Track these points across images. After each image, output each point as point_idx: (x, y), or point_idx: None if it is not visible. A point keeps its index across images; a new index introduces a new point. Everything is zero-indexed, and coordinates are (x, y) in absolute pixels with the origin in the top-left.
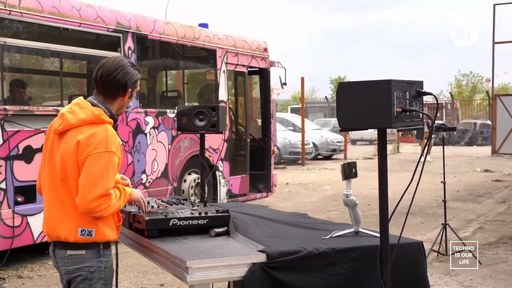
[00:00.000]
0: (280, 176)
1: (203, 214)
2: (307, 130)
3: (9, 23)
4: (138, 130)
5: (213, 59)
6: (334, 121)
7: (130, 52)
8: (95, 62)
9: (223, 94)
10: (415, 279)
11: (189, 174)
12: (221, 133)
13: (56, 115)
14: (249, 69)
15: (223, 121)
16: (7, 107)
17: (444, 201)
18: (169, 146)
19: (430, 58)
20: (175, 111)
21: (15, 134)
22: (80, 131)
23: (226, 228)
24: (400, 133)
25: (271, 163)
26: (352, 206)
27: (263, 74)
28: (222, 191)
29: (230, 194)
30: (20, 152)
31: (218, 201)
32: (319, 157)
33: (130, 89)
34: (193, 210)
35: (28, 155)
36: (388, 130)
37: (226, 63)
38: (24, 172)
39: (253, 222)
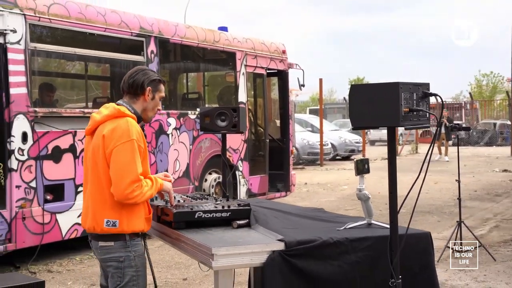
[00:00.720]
0: (299, 176)
1: (226, 208)
2: (326, 131)
3: (39, 29)
4: (160, 131)
5: (232, 62)
6: None
7: (152, 55)
8: (119, 66)
9: (242, 96)
10: (422, 267)
11: (210, 173)
12: (242, 133)
13: (82, 117)
14: (268, 71)
15: (243, 122)
16: (37, 109)
17: (459, 199)
18: (191, 146)
19: (450, 59)
20: (196, 113)
21: (44, 135)
22: (105, 126)
23: (247, 220)
24: (419, 133)
25: (290, 163)
26: (364, 200)
27: (282, 76)
28: (242, 190)
29: (250, 194)
30: (49, 152)
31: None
32: (337, 157)
33: (149, 88)
34: (217, 204)
35: (56, 155)
36: (405, 131)
37: (246, 66)
38: (53, 171)
39: (272, 215)
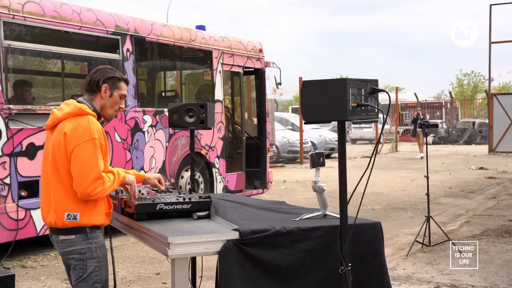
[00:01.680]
0: (278, 174)
1: (187, 200)
2: (306, 130)
3: (13, 26)
4: (136, 128)
5: (209, 60)
6: None
7: (128, 53)
8: (96, 64)
9: (219, 94)
10: (372, 255)
11: (186, 171)
12: (210, 129)
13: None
14: (245, 70)
15: (211, 118)
16: (11, 106)
17: (427, 194)
18: (167, 143)
19: (432, 59)
20: None
21: (18, 132)
22: (66, 124)
23: (207, 212)
24: (400, 132)
25: (267, 161)
26: (319, 192)
27: (258, 74)
28: (219, 187)
29: (227, 190)
30: (24, 149)
31: None
32: None
33: (105, 86)
34: (179, 196)
35: (31, 152)
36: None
37: (222, 64)
38: (28, 168)
39: (231, 207)
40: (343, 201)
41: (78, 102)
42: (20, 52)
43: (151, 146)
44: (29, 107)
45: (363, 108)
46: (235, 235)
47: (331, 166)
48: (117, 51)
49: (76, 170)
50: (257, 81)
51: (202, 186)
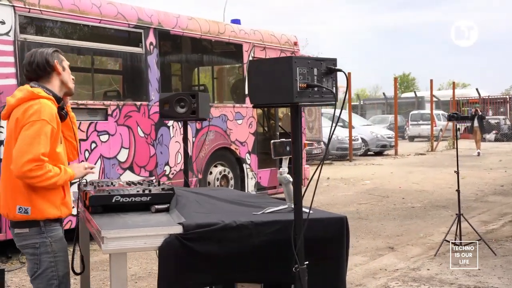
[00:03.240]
0: (324, 171)
1: (146, 192)
2: (357, 126)
3: (29, 20)
4: (160, 123)
5: (239, 54)
6: (391, 117)
7: (152, 47)
8: (116, 58)
9: None
10: (334, 253)
11: (215, 166)
12: (203, 120)
13: (75, 108)
14: None
15: (204, 108)
16: None
17: (458, 191)
18: (193, 138)
19: (501, 54)
20: None
21: None
22: (19, 110)
23: (167, 205)
24: (461, 129)
25: (302, 157)
26: (285, 183)
27: None
28: (250, 184)
29: (259, 187)
30: None
31: None
32: (369, 153)
33: (55, 61)
34: (139, 188)
35: None
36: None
37: (253, 58)
38: None
39: (196, 200)
40: (298, 194)
41: (31, 87)
42: (37, 46)
43: (176, 141)
44: None
45: (316, 89)
46: (178, 229)
47: (380, 164)
48: (140, 44)
49: (16, 148)
50: None
51: (232, 182)
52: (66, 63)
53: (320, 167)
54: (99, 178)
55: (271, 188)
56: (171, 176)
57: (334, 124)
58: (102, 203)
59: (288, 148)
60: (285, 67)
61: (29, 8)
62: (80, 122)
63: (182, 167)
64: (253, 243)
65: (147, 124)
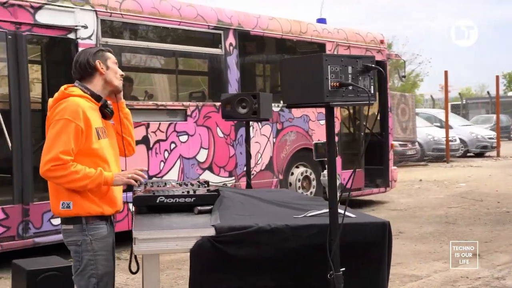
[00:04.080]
0: (417, 173)
1: (191, 193)
2: (456, 126)
3: (110, 24)
4: (240, 124)
5: None
6: (495, 117)
7: (231, 48)
8: (196, 59)
9: None
10: (373, 259)
11: (297, 167)
12: (265, 120)
13: (155, 109)
14: None
15: (265, 109)
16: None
17: None
18: (274, 139)
19: None
20: (280, 105)
21: None
22: (51, 110)
23: (211, 206)
24: None
25: (390, 158)
26: None
27: (380, 67)
28: None
29: (342, 188)
30: None
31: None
32: (468, 154)
33: (98, 61)
34: (186, 189)
35: None
36: None
37: None
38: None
39: (240, 202)
40: (333, 197)
41: (68, 87)
42: (118, 49)
43: (256, 142)
44: (126, 102)
45: (350, 89)
46: (210, 232)
47: (479, 166)
48: (220, 46)
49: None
50: (378, 74)
51: (314, 183)
52: (112, 62)
53: (353, 175)
54: (178, 178)
55: (355, 190)
56: (250, 176)
57: (365, 123)
58: (146, 204)
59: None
60: (316, 65)
61: (111, 12)
62: (160, 123)
63: (263, 168)
64: (288, 248)
65: (226, 125)
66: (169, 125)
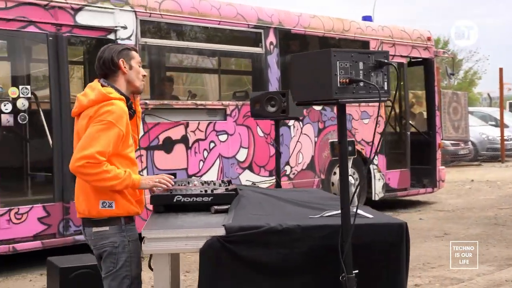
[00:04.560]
0: (470, 173)
1: (209, 192)
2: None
3: (149, 24)
4: (281, 122)
5: None
6: None
7: (272, 47)
8: (236, 58)
9: None
10: (390, 261)
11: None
12: (294, 119)
13: (194, 109)
14: (412, 60)
15: (295, 107)
16: (147, 101)
17: None
18: (316, 138)
19: None
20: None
21: (155, 126)
22: (91, 110)
23: (228, 206)
24: None
25: (437, 158)
26: None
27: (427, 64)
28: (377, 185)
29: (387, 189)
30: (160, 142)
31: (373, 196)
32: None
33: (121, 60)
34: (202, 188)
35: (167, 145)
36: None
37: None
38: (165, 161)
39: (258, 202)
40: (345, 196)
41: (102, 86)
42: (157, 49)
43: (297, 141)
44: (165, 102)
45: (362, 85)
46: (220, 231)
47: None
48: (260, 44)
49: (78, 144)
50: (425, 71)
51: (357, 183)
52: (136, 62)
53: (357, 189)
54: (217, 177)
55: (401, 190)
56: (292, 176)
57: (376, 121)
58: (164, 203)
59: (350, 148)
60: (324, 61)
61: (150, 13)
62: (199, 122)
63: (304, 167)
64: (300, 248)
65: (267, 124)
66: (209, 124)
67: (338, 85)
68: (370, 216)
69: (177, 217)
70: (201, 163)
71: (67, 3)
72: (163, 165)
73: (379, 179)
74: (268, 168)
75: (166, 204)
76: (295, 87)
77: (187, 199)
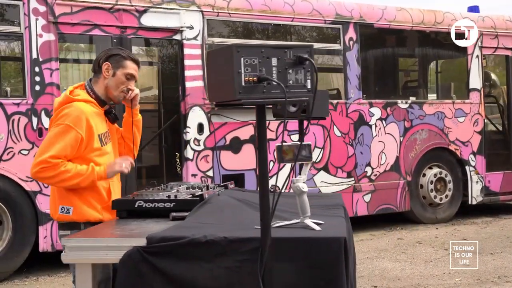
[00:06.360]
0: None
1: (172, 198)
2: None
3: (217, 24)
4: (360, 122)
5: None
6: None
7: (351, 43)
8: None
9: (476, 82)
10: (328, 279)
11: (430, 168)
12: (322, 118)
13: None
14: None
15: (319, 107)
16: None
17: None
18: (401, 138)
19: None
20: (409, 102)
21: (221, 126)
22: (55, 113)
23: (187, 213)
24: None
25: None
26: (298, 194)
27: None
28: (475, 188)
29: (487, 192)
30: (227, 142)
31: (470, 200)
32: None
33: (106, 64)
34: (169, 193)
35: (235, 145)
36: None
37: (481, 47)
38: (232, 161)
39: (220, 208)
40: (265, 206)
41: (75, 87)
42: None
43: (380, 141)
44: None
45: (275, 84)
46: (142, 242)
47: None
48: (338, 40)
49: None
50: None
51: (450, 185)
52: (124, 72)
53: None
54: (289, 178)
55: (504, 194)
56: (373, 177)
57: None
58: (125, 208)
59: (305, 153)
60: (226, 57)
61: (218, 12)
62: (269, 122)
63: (387, 168)
64: (228, 264)
65: (344, 123)
66: (280, 123)
67: (243, 84)
68: (318, 228)
69: (130, 223)
70: (271, 163)
71: (131, 5)
72: (230, 166)
73: (476, 182)
74: (346, 169)
75: (128, 210)
76: (209, 87)
77: (149, 205)
